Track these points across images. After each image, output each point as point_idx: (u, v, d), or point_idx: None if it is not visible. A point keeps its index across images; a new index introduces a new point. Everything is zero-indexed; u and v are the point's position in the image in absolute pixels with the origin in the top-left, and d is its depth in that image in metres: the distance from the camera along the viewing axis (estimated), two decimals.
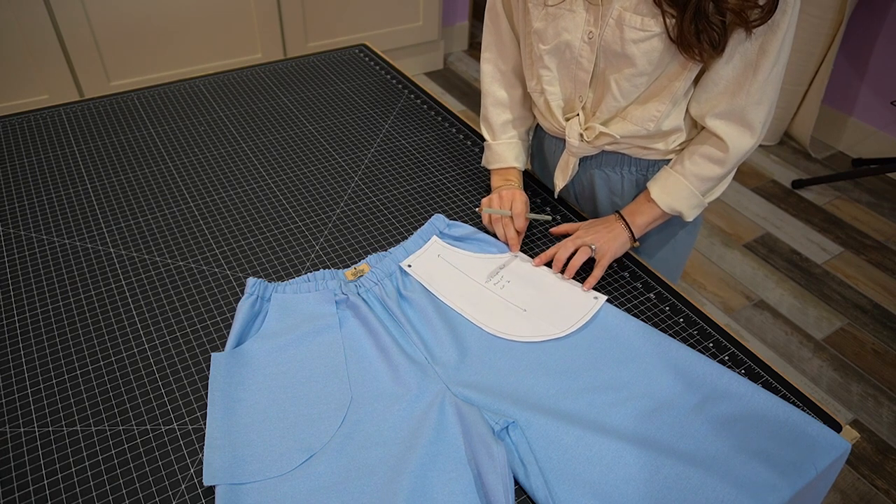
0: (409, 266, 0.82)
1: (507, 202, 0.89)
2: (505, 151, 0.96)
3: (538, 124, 1.01)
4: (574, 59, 0.81)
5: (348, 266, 0.86)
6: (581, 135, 0.87)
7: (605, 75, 0.80)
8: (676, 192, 0.85)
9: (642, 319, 0.80)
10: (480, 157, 1.11)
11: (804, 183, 2.32)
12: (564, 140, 0.90)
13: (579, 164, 0.93)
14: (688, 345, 0.76)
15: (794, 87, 2.42)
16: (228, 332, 0.75)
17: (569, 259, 0.84)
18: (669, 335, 0.77)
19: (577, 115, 0.86)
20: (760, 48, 0.72)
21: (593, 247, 0.83)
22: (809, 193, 2.31)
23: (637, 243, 0.88)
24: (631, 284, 0.85)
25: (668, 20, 0.71)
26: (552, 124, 0.91)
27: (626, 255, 0.90)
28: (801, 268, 1.99)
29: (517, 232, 0.87)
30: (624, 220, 0.87)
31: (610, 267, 0.88)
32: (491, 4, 0.91)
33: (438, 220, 0.89)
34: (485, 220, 0.91)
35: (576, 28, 0.78)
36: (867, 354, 1.71)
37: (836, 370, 1.67)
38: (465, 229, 0.88)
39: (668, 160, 0.89)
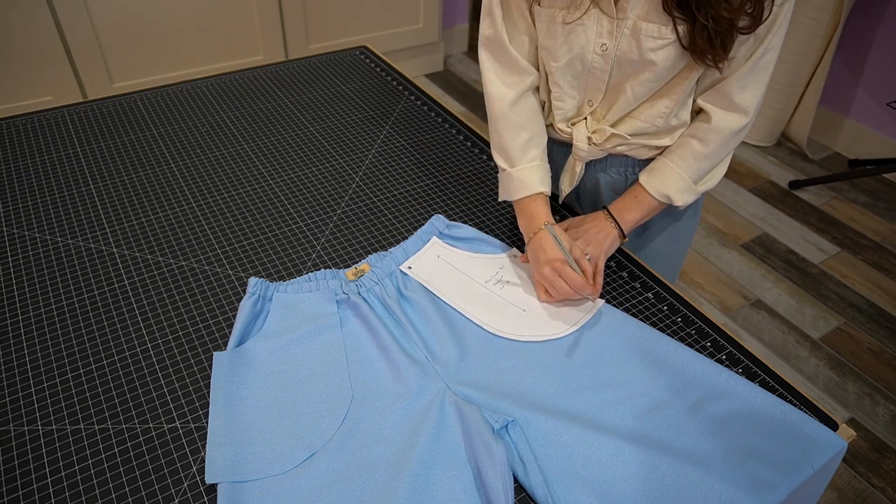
0: (410, 268, 0.83)
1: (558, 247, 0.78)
2: (530, 177, 0.84)
3: None
4: (587, 71, 0.80)
5: (349, 266, 0.86)
6: (589, 138, 0.86)
7: (619, 83, 0.80)
8: (663, 175, 0.83)
9: (640, 319, 0.80)
10: (479, 158, 1.11)
11: (801, 183, 2.33)
12: (568, 144, 0.89)
13: (584, 168, 0.93)
14: (685, 344, 0.77)
15: (791, 88, 2.43)
16: (230, 332, 0.76)
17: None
18: (667, 334, 0.78)
19: (585, 119, 0.85)
20: (755, 35, 0.73)
21: (588, 256, 0.81)
22: (806, 194, 2.32)
23: (626, 239, 0.87)
24: (629, 284, 0.86)
25: (679, 27, 0.71)
26: (556, 132, 0.90)
27: (624, 254, 0.91)
28: (797, 268, 2.00)
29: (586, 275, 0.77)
30: (612, 217, 0.85)
31: (608, 266, 0.88)
32: None
33: (438, 220, 0.89)
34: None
35: (588, 42, 0.77)
36: (863, 353, 1.72)
37: (833, 369, 1.68)
38: (464, 230, 0.89)
39: None
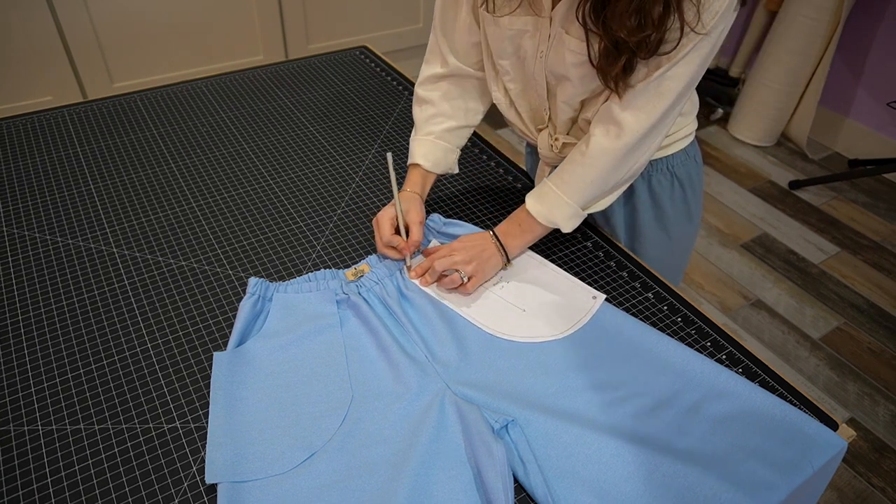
0: (410, 268, 0.83)
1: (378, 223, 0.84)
2: (415, 147, 0.90)
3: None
4: (532, 76, 0.81)
5: (349, 266, 0.86)
6: (551, 145, 0.88)
7: (555, 91, 0.81)
8: (551, 202, 0.81)
9: (640, 318, 0.80)
10: (479, 158, 1.11)
11: (801, 183, 2.33)
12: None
13: None
14: (686, 344, 0.77)
15: (791, 88, 2.43)
16: (230, 332, 0.76)
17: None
18: (667, 334, 0.78)
19: (547, 126, 0.87)
20: (656, 59, 0.71)
21: (464, 277, 0.79)
22: (806, 194, 2.32)
23: (510, 264, 0.85)
24: (629, 284, 0.86)
25: (593, 45, 0.70)
26: (529, 135, 0.92)
27: (624, 254, 0.91)
28: (798, 268, 2.00)
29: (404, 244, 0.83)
30: (499, 241, 0.83)
31: (608, 266, 0.88)
32: None
33: (434, 220, 0.89)
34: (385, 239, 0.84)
35: (530, 47, 0.78)
36: (863, 353, 1.72)
37: (833, 369, 1.68)
38: (462, 227, 0.89)
39: None
